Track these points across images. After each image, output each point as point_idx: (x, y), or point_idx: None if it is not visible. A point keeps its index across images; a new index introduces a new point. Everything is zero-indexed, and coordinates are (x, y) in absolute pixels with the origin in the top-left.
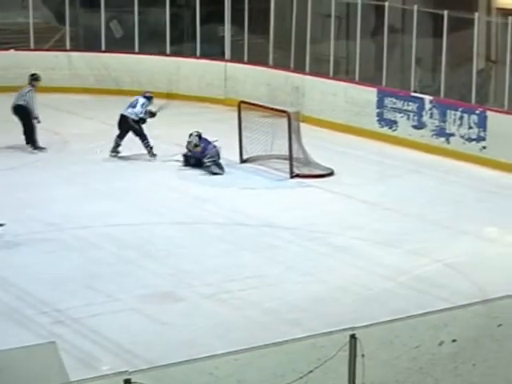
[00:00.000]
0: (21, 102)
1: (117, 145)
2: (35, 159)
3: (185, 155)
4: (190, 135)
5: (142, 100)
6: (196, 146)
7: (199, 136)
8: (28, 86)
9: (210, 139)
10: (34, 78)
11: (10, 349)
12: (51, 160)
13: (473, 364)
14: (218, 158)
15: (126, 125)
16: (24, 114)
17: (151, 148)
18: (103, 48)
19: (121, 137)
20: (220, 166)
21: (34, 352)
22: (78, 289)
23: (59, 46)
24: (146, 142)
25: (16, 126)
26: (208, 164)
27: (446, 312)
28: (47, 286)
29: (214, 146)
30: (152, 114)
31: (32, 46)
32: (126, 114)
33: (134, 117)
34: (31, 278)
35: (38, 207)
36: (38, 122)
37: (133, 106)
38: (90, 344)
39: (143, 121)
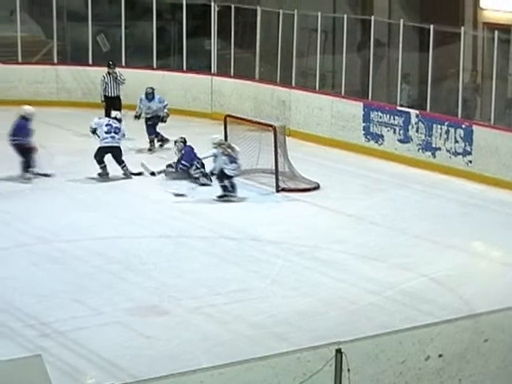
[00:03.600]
0: None
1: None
2: (20, 173)
3: (168, 165)
4: (175, 142)
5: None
6: (180, 151)
7: (184, 142)
8: None
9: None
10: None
11: None
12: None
13: (459, 379)
14: (204, 167)
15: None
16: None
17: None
18: (90, 62)
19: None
20: (208, 177)
21: (19, 365)
22: (64, 302)
23: (47, 60)
24: None
25: None
26: (196, 176)
27: (432, 326)
28: (33, 299)
29: (195, 155)
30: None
31: (20, 60)
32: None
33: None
34: (18, 291)
35: (23, 220)
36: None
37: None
38: (76, 357)
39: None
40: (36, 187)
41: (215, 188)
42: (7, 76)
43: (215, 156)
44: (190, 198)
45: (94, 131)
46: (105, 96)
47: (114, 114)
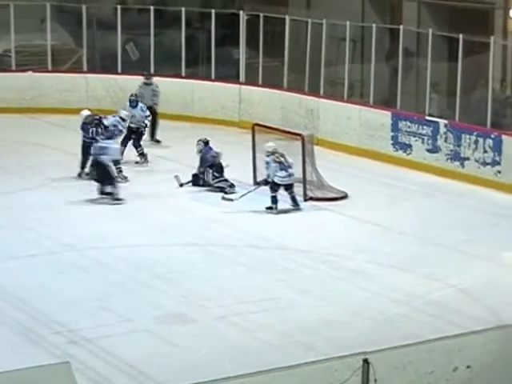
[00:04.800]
0: None
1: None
2: (49, 180)
3: (194, 175)
4: (199, 141)
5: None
6: (201, 151)
7: (206, 143)
8: None
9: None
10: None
11: (25, 368)
12: (65, 181)
13: None
14: (222, 172)
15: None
16: None
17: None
18: (119, 70)
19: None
20: (232, 185)
21: (48, 372)
22: (92, 309)
23: (76, 68)
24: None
25: None
26: (218, 185)
27: (460, 337)
28: (61, 306)
29: (213, 156)
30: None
31: (50, 68)
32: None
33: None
34: (46, 298)
35: (52, 227)
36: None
37: None
38: (104, 364)
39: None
40: (65, 196)
41: (244, 197)
42: (37, 84)
43: (267, 163)
44: (235, 203)
45: None
46: None
47: (122, 113)
